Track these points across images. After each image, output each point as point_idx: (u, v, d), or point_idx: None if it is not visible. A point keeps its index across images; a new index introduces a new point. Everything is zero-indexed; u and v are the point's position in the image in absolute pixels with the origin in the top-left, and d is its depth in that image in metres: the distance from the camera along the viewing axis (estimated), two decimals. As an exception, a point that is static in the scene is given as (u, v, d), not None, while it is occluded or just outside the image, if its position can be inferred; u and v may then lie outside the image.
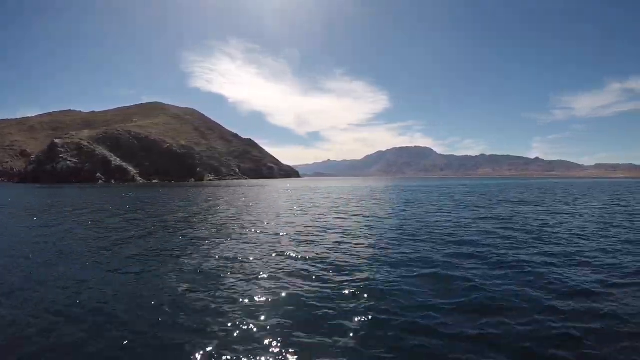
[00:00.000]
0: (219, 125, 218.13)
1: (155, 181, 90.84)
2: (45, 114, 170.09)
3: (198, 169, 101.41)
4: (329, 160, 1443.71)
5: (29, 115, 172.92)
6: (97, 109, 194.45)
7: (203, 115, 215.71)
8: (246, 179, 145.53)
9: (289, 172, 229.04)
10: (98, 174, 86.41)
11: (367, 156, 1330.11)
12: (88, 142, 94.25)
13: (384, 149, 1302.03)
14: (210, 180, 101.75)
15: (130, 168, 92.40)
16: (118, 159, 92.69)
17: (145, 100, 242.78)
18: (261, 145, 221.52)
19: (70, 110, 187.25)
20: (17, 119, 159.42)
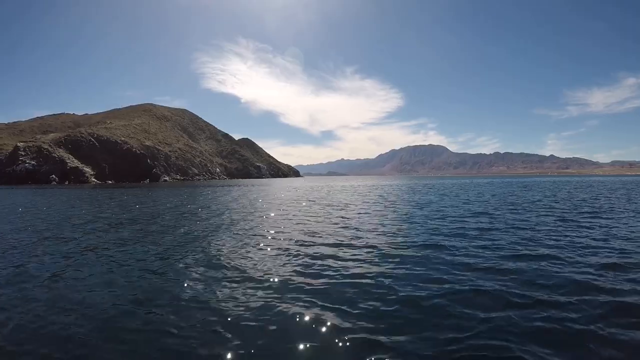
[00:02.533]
0: (211, 125, 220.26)
1: (110, 182, 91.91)
2: (37, 117, 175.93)
3: (154, 170, 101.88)
4: (342, 159, 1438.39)
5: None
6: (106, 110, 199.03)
7: (195, 115, 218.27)
8: (225, 179, 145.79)
9: (286, 172, 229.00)
10: (52, 176, 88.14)
11: (380, 155, 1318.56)
12: (49, 145, 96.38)
13: (397, 147, 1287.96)
14: (165, 180, 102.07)
15: (87, 169, 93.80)
16: (75, 161, 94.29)
17: (156, 101, 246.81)
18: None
19: (63, 113, 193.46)
20: (8, 123, 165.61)
